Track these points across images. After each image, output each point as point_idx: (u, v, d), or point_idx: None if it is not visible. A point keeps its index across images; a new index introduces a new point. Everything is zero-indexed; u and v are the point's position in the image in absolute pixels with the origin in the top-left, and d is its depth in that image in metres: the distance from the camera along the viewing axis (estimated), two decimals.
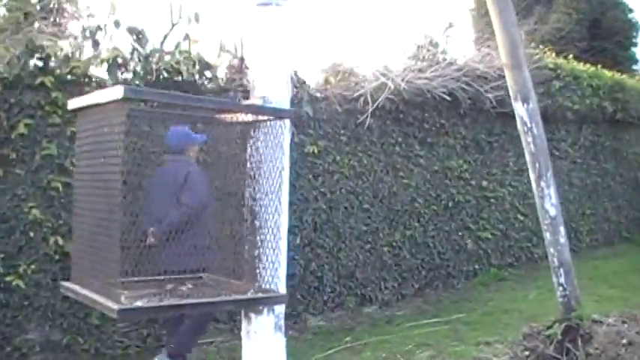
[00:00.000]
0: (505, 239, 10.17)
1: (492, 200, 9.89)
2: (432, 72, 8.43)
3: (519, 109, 5.98)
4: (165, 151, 5.52)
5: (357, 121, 7.99)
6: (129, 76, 6.46)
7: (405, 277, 8.64)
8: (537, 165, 6.14)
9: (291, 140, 7.43)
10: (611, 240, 13.06)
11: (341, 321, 7.82)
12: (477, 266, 9.64)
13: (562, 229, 6.50)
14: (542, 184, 6.23)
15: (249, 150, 3.02)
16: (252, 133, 2.97)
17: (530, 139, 6.04)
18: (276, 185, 2.98)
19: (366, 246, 8.20)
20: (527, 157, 6.25)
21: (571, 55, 11.95)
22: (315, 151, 7.61)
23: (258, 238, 3.09)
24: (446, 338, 6.83)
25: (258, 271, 3.03)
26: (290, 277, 7.37)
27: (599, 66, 12.57)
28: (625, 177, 13.51)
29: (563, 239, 6.49)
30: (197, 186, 5.31)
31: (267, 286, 2.89)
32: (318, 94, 7.66)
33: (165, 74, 6.61)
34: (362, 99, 7.81)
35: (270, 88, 2.92)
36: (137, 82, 6.37)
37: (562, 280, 6.62)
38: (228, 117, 2.97)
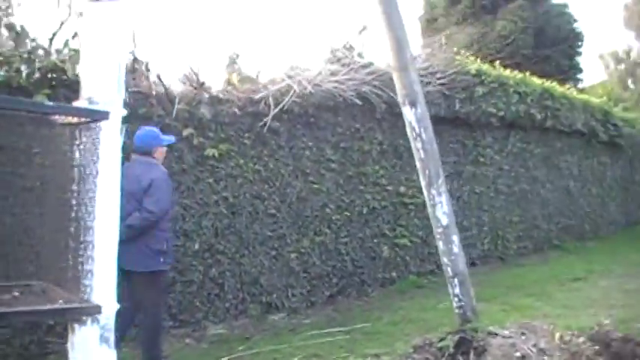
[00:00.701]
0: (425, 246, 10.02)
1: (411, 207, 9.74)
2: (343, 75, 8.24)
3: (407, 114, 5.80)
4: (133, 150, 5.67)
5: (263, 124, 7.78)
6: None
7: (314, 285, 8.44)
8: (427, 172, 5.96)
9: (190, 143, 7.21)
10: (541, 247, 13.03)
11: (243, 329, 7.57)
12: (394, 274, 9.48)
13: (455, 238, 6.34)
14: (433, 191, 6.05)
15: (76, 153, 2.82)
16: (77, 135, 2.77)
17: (419, 145, 5.86)
18: (91, 191, 2.78)
19: (272, 252, 7.97)
20: (418, 164, 6.07)
21: (497, 62, 11.85)
22: (216, 154, 7.37)
23: (80, 245, 2.90)
24: (340, 349, 6.61)
25: (79, 279, 2.84)
26: (187, 283, 7.19)
27: (527, 73, 12.51)
28: (556, 185, 13.51)
29: (457, 249, 6.33)
30: (161, 193, 5.58)
31: (83, 296, 2.70)
32: (221, 96, 7.41)
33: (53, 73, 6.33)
34: (263, 102, 7.59)
35: (98, 88, 2.71)
36: (20, 81, 6.08)
37: (457, 290, 6.47)
38: (59, 118, 2.79)
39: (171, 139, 6.03)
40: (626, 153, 16.90)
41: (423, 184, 6.08)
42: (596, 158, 15.18)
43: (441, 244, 6.21)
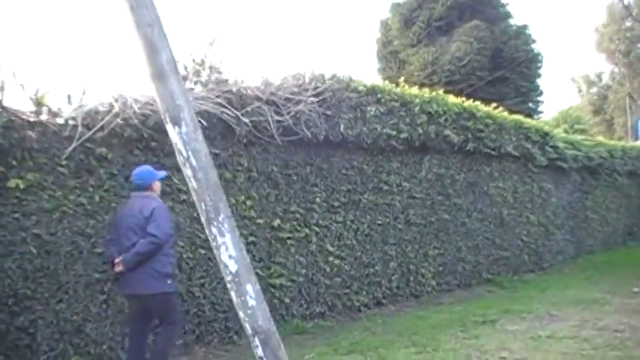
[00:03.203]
0: (312, 285, 8.92)
1: (290, 242, 8.64)
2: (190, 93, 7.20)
3: (171, 133, 4.69)
4: (132, 189, 6.43)
5: (90, 151, 6.75)
6: None
7: None
8: (204, 206, 4.85)
9: None
10: (469, 282, 11.92)
11: None
12: None
13: (250, 287, 5.11)
14: (214, 230, 4.88)
15: None
16: None
17: (189, 173, 4.74)
18: None
19: (101, 296, 6.86)
20: (193, 196, 4.98)
21: (408, 85, 10.75)
22: (22, 185, 6.31)
23: None
24: None
25: None
26: None
27: (463, 96, 11.46)
28: (485, 213, 12.40)
29: (253, 301, 5.15)
30: (162, 219, 6.08)
31: None
32: (26, 119, 6.36)
33: None
34: (79, 124, 6.54)
35: None
36: None
37: (260, 352, 5.27)
38: None
39: (163, 173, 6.60)
40: (573, 178, 15.79)
41: (202, 220, 4.96)
42: (537, 184, 14.05)
43: (234, 295, 5.05)
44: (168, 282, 6.19)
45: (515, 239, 13.29)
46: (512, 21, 23.66)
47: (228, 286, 5.19)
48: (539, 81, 23.37)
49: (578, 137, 17.49)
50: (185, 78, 7.56)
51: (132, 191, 6.47)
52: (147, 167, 6.52)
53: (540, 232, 14.22)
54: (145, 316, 6.39)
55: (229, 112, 7.37)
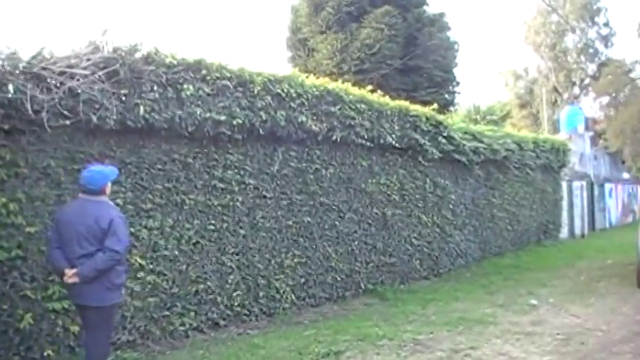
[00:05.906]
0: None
1: None
2: None
3: None
4: (83, 191, 5.72)
5: None
6: None
7: None
8: None
9: None
10: (342, 294, 10.28)
11: None
12: (50, 352, 6.56)
13: None
14: None
15: None
16: None
17: None
18: None
19: None
20: None
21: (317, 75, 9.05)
22: None
23: None
24: None
25: None
26: None
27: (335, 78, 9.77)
28: (364, 214, 10.78)
29: None
30: (122, 232, 5.62)
31: None
32: None
33: None
34: None
35: None
36: None
37: None
38: None
39: (114, 171, 6.01)
40: (476, 172, 14.28)
41: None
42: (430, 179, 12.48)
43: None
44: (121, 292, 5.97)
45: (402, 243, 11.71)
46: (427, 9, 22.20)
47: None
48: (455, 71, 21.98)
49: (482, 128, 16.02)
50: None
51: (81, 192, 5.77)
52: (97, 168, 5.94)
53: (435, 234, 12.68)
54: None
55: None
